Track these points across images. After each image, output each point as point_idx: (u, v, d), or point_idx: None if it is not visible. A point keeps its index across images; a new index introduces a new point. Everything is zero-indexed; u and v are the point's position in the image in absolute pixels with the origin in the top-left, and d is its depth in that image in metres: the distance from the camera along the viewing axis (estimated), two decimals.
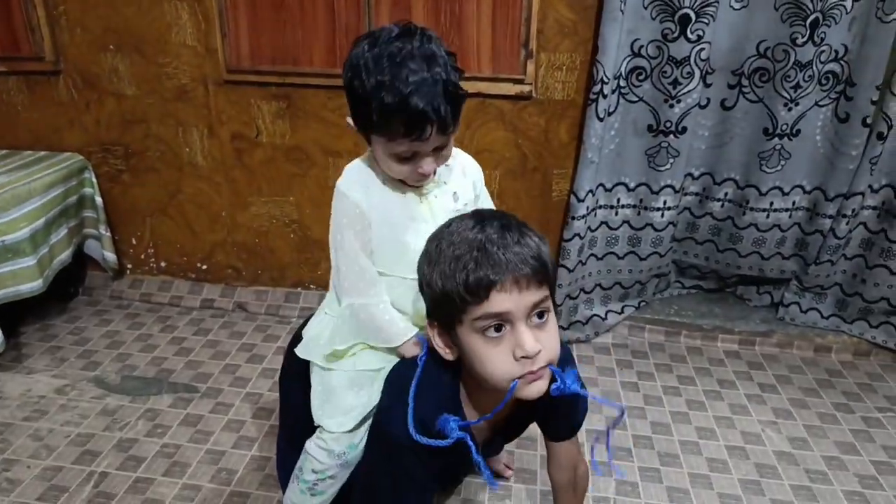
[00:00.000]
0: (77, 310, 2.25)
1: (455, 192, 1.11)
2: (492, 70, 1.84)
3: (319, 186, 2.08)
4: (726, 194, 1.97)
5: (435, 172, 1.03)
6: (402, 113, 0.89)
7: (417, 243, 0.98)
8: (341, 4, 1.83)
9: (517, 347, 0.85)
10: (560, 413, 1.07)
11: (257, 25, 1.90)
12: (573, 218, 1.88)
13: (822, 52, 1.72)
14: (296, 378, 1.17)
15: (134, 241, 2.29)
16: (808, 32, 1.68)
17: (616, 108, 1.81)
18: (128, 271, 2.35)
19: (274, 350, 2.03)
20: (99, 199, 2.16)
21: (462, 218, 0.92)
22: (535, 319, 0.87)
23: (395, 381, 1.04)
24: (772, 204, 1.92)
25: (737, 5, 1.73)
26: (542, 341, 0.86)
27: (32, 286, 1.88)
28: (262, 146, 2.06)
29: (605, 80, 1.71)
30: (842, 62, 1.75)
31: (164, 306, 2.27)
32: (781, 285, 2.10)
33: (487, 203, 1.19)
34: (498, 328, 0.85)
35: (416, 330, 1.09)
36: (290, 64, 1.93)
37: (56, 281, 1.99)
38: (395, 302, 1.10)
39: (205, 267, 2.28)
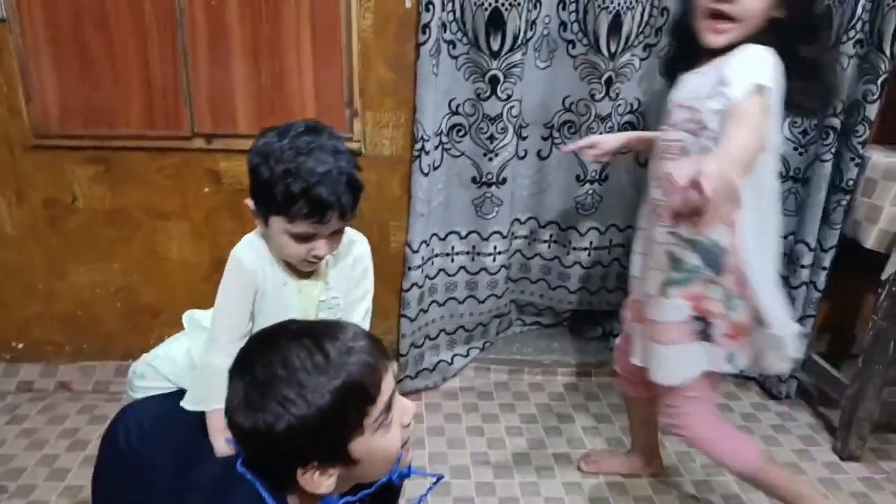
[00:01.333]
0: None
1: (327, 283, 1.16)
2: None
3: (146, 250, 1.98)
4: (551, 236, 2.11)
5: (322, 258, 1.08)
6: (307, 199, 0.97)
7: None
8: (156, 61, 1.77)
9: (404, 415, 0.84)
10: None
11: (66, 86, 1.80)
12: (409, 268, 1.92)
13: (619, 105, 1.91)
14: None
15: None
16: (605, 89, 1.86)
17: (441, 162, 1.89)
18: None
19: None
20: None
21: None
22: None
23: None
24: (591, 243, 2.08)
25: (542, 65, 1.88)
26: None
27: None
28: (79, 212, 1.93)
29: (426, 137, 1.78)
30: (637, 114, 1.94)
31: None
32: (611, 317, 2.25)
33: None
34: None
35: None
36: (105, 126, 1.83)
37: None
38: None
39: (21, 345, 2.07)
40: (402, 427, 0.83)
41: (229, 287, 1.13)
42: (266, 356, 0.76)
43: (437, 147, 1.86)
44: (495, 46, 1.75)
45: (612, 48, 1.81)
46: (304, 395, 0.72)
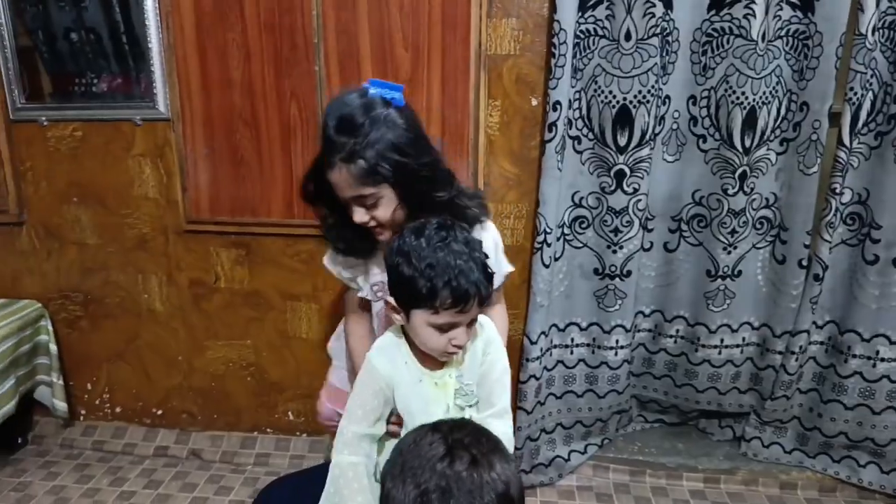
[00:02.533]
0: (23, 461, 2.16)
1: (460, 371, 1.17)
2: None
3: (277, 330, 2.09)
4: (678, 331, 2.01)
5: (462, 346, 1.11)
6: (450, 290, 1.03)
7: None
8: (298, 157, 1.91)
9: None
10: None
11: (217, 180, 1.97)
12: (527, 360, 1.89)
13: (754, 200, 1.82)
14: None
15: (89, 387, 2.25)
16: (738, 183, 1.78)
17: (562, 253, 1.88)
18: (81, 417, 2.29)
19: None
20: (53, 347, 2.14)
21: (430, 435, 0.88)
22: None
23: None
24: (722, 340, 1.96)
25: (670, 158, 1.84)
26: None
27: None
28: (220, 291, 2.09)
29: (548, 230, 1.78)
30: (773, 209, 1.84)
31: (116, 455, 2.19)
32: (742, 419, 2.09)
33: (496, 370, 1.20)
34: None
35: None
36: (248, 214, 1.99)
37: (1, 431, 1.93)
38: None
39: (160, 412, 2.23)
40: None
41: (362, 387, 1.17)
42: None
43: (558, 238, 1.85)
44: (622, 142, 1.74)
45: (747, 143, 1.75)
46: (399, 488, 0.81)
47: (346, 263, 1.35)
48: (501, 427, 1.15)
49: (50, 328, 2.14)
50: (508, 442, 1.15)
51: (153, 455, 2.19)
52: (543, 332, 1.90)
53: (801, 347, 1.88)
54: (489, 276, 1.07)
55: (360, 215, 1.16)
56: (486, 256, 1.09)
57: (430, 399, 1.15)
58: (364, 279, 1.35)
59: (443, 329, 1.07)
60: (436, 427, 0.89)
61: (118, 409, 2.26)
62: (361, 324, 1.41)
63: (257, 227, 2.00)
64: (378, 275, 1.31)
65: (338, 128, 1.11)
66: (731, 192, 1.79)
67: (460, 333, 1.08)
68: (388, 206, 1.16)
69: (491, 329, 1.22)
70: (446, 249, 1.04)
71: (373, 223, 1.18)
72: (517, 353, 2.01)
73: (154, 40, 1.88)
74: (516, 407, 1.92)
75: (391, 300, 1.11)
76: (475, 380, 1.18)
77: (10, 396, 1.99)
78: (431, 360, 1.16)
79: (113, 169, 2.02)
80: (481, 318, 1.21)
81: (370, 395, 1.16)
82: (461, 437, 0.86)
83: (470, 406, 1.18)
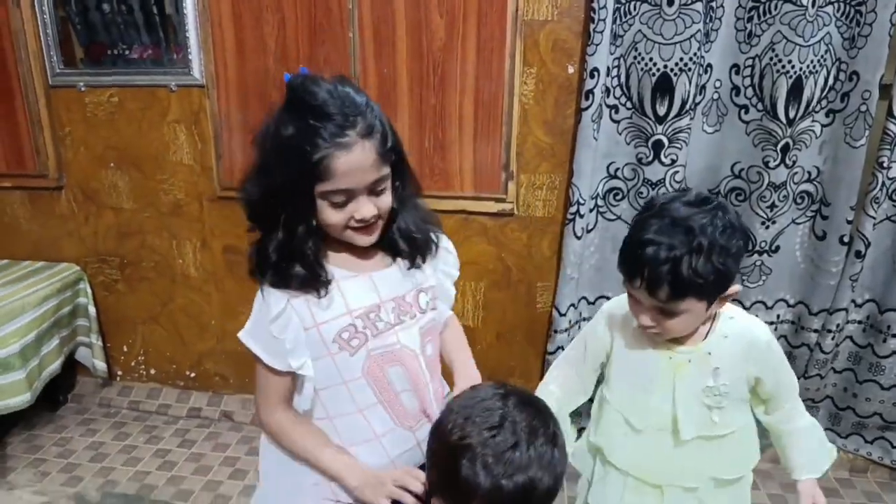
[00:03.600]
0: (64, 418, 2.24)
1: (717, 368, 1.03)
2: (474, 189, 1.89)
3: None
4: None
5: (649, 328, 1.01)
6: (621, 258, 0.99)
7: (659, 405, 1.05)
8: None
9: None
10: None
11: (251, 147, 1.98)
12: (556, 331, 1.89)
13: (795, 173, 1.77)
14: None
15: (125, 349, 2.31)
16: (780, 156, 1.73)
17: (595, 225, 1.85)
18: (118, 378, 2.35)
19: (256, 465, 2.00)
20: (92, 309, 2.20)
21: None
22: None
23: None
24: (756, 317, 1.92)
25: (709, 129, 1.79)
26: None
27: (20, 400, 1.88)
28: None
29: (581, 201, 1.75)
30: (815, 183, 1.79)
31: (152, 414, 2.26)
32: None
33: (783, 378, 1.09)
34: None
35: None
36: None
37: (44, 389, 2.00)
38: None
39: (193, 375, 2.29)
40: None
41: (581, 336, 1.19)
42: None
43: (591, 210, 1.83)
44: (661, 111, 1.70)
45: (791, 114, 1.69)
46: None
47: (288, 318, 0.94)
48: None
49: (88, 291, 2.20)
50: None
51: (186, 416, 2.25)
52: (573, 305, 1.88)
53: (837, 326, 1.84)
54: (671, 272, 0.91)
55: (368, 208, 0.91)
56: (693, 255, 0.91)
57: (653, 372, 1.05)
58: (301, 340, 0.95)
59: (634, 302, 1.01)
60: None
61: (153, 371, 2.32)
62: (297, 416, 1.00)
63: None
64: (344, 310, 0.95)
65: (344, 104, 0.86)
66: (772, 164, 1.74)
67: (643, 315, 1.00)
68: (390, 192, 0.95)
69: (734, 310, 1.08)
70: (653, 222, 0.93)
71: (374, 218, 0.93)
72: (545, 326, 2.00)
73: (189, 5, 1.88)
74: (540, 378, 1.92)
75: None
76: (731, 383, 1.05)
77: (56, 356, 2.05)
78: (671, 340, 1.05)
79: (149, 135, 2.05)
80: (753, 322, 1.08)
81: (588, 345, 1.15)
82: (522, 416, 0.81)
83: (720, 408, 1.05)
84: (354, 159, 0.87)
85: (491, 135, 1.83)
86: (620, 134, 1.77)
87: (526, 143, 1.85)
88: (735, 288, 0.97)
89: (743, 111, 1.75)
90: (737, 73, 1.73)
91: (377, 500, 0.92)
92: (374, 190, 0.91)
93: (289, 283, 0.91)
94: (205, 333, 2.23)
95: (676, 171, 1.75)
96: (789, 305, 1.92)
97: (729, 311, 1.06)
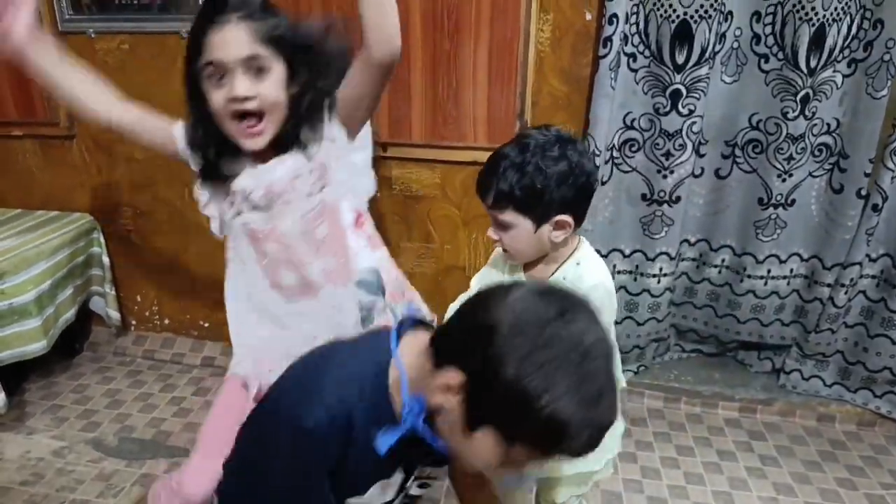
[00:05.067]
0: (81, 366, 2.28)
1: None
2: (488, 140, 1.87)
3: None
4: (723, 261, 1.97)
5: (495, 241, 1.13)
6: (480, 179, 1.11)
7: None
8: None
9: None
10: None
11: None
12: None
13: (814, 125, 1.74)
14: None
15: (139, 299, 2.33)
16: (800, 107, 1.71)
17: (610, 177, 1.84)
18: (132, 327, 2.38)
19: None
20: (106, 259, 2.21)
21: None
22: None
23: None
24: (769, 271, 1.92)
25: (728, 79, 1.77)
26: None
27: (37, 346, 1.91)
28: None
29: (597, 152, 1.74)
30: (834, 135, 1.77)
31: (166, 364, 2.29)
32: (782, 351, 2.07)
33: None
34: None
35: None
36: None
37: (60, 337, 2.03)
38: None
39: (206, 325, 2.31)
40: None
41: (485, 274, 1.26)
42: None
43: (607, 162, 1.81)
44: (680, 60, 1.67)
45: (812, 63, 1.66)
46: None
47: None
48: None
49: (102, 240, 2.21)
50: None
51: (200, 365, 2.28)
52: None
53: (851, 280, 1.84)
54: (525, 196, 1.03)
55: (243, 85, 0.99)
56: (547, 183, 1.02)
57: None
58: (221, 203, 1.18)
59: (491, 222, 1.13)
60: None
61: (167, 321, 2.35)
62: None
63: None
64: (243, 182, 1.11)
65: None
66: (790, 116, 1.72)
67: (495, 231, 1.11)
68: (276, 82, 1.02)
69: (588, 258, 1.15)
70: (514, 146, 1.08)
71: (253, 104, 1.01)
72: None
73: None
74: None
75: None
76: None
77: (71, 304, 2.07)
78: (533, 276, 1.17)
79: (160, 83, 2.02)
80: (592, 268, 1.14)
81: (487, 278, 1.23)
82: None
83: None
84: (225, 34, 0.98)
85: (505, 83, 1.81)
86: (638, 83, 1.75)
87: (541, 92, 1.83)
88: (563, 218, 1.06)
89: (763, 60, 1.72)
90: (758, 20, 1.69)
91: None
92: (251, 68, 1.00)
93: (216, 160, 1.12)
94: (218, 284, 2.20)
95: (694, 122, 1.73)
96: (803, 259, 1.91)
97: (581, 255, 1.14)
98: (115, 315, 2.25)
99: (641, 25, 1.69)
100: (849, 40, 1.66)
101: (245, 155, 1.10)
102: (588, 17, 1.74)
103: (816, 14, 1.61)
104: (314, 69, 1.06)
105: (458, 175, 1.94)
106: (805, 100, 1.70)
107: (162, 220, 2.20)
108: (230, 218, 1.17)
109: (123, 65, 2.02)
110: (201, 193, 1.19)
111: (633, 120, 1.79)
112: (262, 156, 1.10)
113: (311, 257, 1.16)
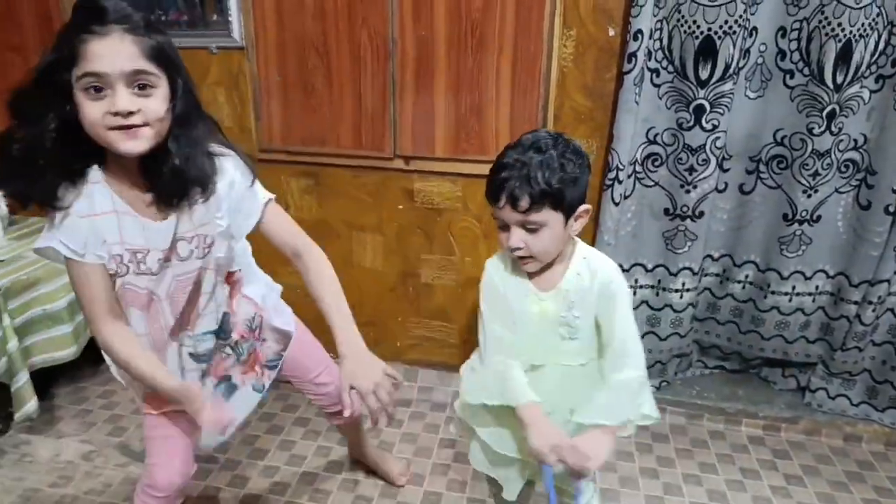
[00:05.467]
0: (108, 372, 2.29)
1: (572, 302, 1.17)
2: None
3: (341, 258, 2.14)
4: (747, 276, 1.96)
5: (517, 249, 1.12)
6: (498, 181, 1.10)
7: (522, 341, 1.18)
8: (367, 93, 1.91)
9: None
10: None
11: (289, 110, 2.01)
12: None
13: (841, 141, 1.73)
14: None
15: None
16: (826, 123, 1.69)
17: (632, 191, 1.84)
18: None
19: (291, 420, 2.06)
20: None
21: None
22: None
23: None
24: (794, 288, 1.90)
25: (752, 95, 1.76)
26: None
27: (68, 352, 1.96)
28: None
29: (620, 167, 1.74)
30: (861, 151, 1.75)
31: None
32: (808, 369, 2.04)
33: (618, 328, 1.16)
34: None
35: (537, 399, 1.13)
36: (318, 145, 2.02)
37: (90, 343, 2.07)
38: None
39: None
40: None
41: (487, 290, 1.24)
42: None
43: (630, 176, 1.81)
44: (704, 75, 1.67)
45: (839, 79, 1.65)
46: None
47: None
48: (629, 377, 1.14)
49: None
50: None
51: None
52: None
53: (879, 298, 1.81)
54: (532, 185, 1.06)
55: (126, 99, 0.93)
56: (553, 167, 1.06)
57: (526, 314, 1.19)
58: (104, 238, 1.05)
59: (500, 227, 1.14)
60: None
61: None
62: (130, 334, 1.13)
63: (326, 157, 2.03)
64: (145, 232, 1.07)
65: (116, 4, 0.94)
66: (816, 131, 1.70)
67: (512, 235, 1.11)
68: (160, 98, 0.97)
69: (608, 274, 1.17)
70: (513, 150, 1.11)
71: (136, 118, 0.95)
72: None
73: None
74: None
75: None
76: (584, 315, 1.18)
77: None
78: (543, 279, 1.19)
79: None
80: (601, 261, 1.19)
81: (490, 304, 1.22)
82: None
83: (572, 339, 1.19)
84: (108, 44, 0.91)
85: (528, 98, 1.82)
86: (661, 98, 1.75)
87: (564, 106, 1.84)
88: (585, 206, 1.13)
89: (788, 76, 1.71)
90: (783, 36, 1.69)
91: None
92: (135, 83, 0.94)
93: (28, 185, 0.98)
94: None
95: (717, 137, 1.73)
96: (829, 276, 1.89)
97: (582, 250, 1.21)
98: None
99: (665, 41, 1.70)
100: (876, 56, 1.65)
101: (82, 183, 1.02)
102: (612, 32, 1.75)
103: (843, 30, 1.60)
104: (194, 95, 1.05)
105: (479, 188, 1.93)
106: (831, 115, 1.69)
107: None
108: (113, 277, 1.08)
109: None
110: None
111: (656, 135, 1.79)
112: (142, 195, 1.05)
113: (170, 322, 1.17)
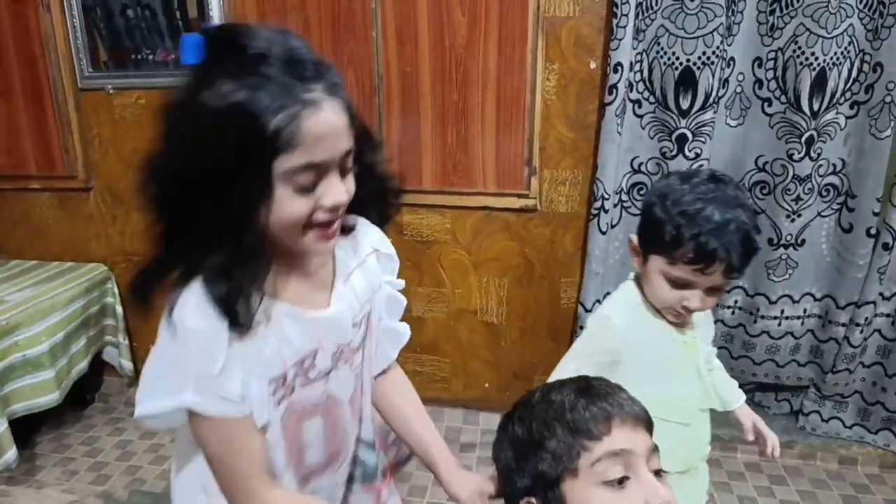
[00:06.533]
0: (92, 417, 2.27)
1: (702, 336, 1.12)
2: (497, 186, 1.90)
3: None
4: (736, 302, 1.97)
5: (693, 311, 1.00)
6: (696, 244, 0.91)
7: (682, 389, 1.06)
8: None
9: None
10: None
11: None
12: (581, 327, 1.89)
13: (820, 166, 1.76)
14: None
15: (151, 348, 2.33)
16: (805, 148, 1.73)
17: (619, 220, 1.86)
18: None
19: None
20: (119, 309, 2.23)
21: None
22: None
23: None
24: (783, 311, 1.91)
25: (733, 123, 1.80)
26: None
27: (50, 398, 1.90)
28: None
29: (606, 196, 1.76)
30: (840, 175, 1.78)
31: None
32: (800, 392, 2.05)
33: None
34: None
35: None
36: None
37: (73, 389, 2.02)
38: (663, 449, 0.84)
39: None
40: None
41: (588, 342, 1.10)
42: None
43: (616, 205, 1.83)
44: (685, 105, 1.71)
45: (815, 106, 1.69)
46: None
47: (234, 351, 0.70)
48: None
49: (115, 290, 2.23)
50: None
51: None
52: (598, 300, 1.88)
53: (866, 319, 1.83)
54: (749, 248, 0.93)
55: (339, 190, 0.68)
56: (756, 227, 0.94)
57: (678, 361, 1.07)
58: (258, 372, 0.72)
59: (676, 284, 0.98)
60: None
61: None
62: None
63: None
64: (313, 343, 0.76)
65: (296, 50, 0.64)
66: (796, 157, 1.74)
67: (694, 297, 0.97)
68: (352, 178, 0.72)
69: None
70: (709, 202, 0.92)
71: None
72: (570, 321, 2.01)
73: (216, 8, 1.91)
74: None
75: (634, 238, 1.03)
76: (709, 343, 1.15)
77: (83, 355, 2.08)
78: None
79: None
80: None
81: (596, 352, 1.06)
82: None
83: (710, 370, 1.16)
84: (327, 120, 0.64)
85: (513, 131, 1.85)
86: (644, 128, 1.78)
87: (548, 138, 1.86)
88: None
89: (766, 104, 1.75)
90: (759, 66, 1.73)
91: None
92: (344, 168, 0.69)
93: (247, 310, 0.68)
94: None
95: (700, 165, 1.75)
96: (816, 299, 1.91)
97: None
98: (127, 365, 2.25)
99: (646, 73, 1.74)
100: (850, 83, 1.70)
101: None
102: (593, 65, 1.78)
103: (817, 59, 1.65)
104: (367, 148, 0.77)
105: (467, 220, 1.96)
106: (810, 141, 1.72)
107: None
108: (274, 405, 0.75)
109: (139, 119, 2.07)
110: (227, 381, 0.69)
111: (640, 164, 1.81)
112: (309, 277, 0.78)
113: (350, 427, 0.88)
